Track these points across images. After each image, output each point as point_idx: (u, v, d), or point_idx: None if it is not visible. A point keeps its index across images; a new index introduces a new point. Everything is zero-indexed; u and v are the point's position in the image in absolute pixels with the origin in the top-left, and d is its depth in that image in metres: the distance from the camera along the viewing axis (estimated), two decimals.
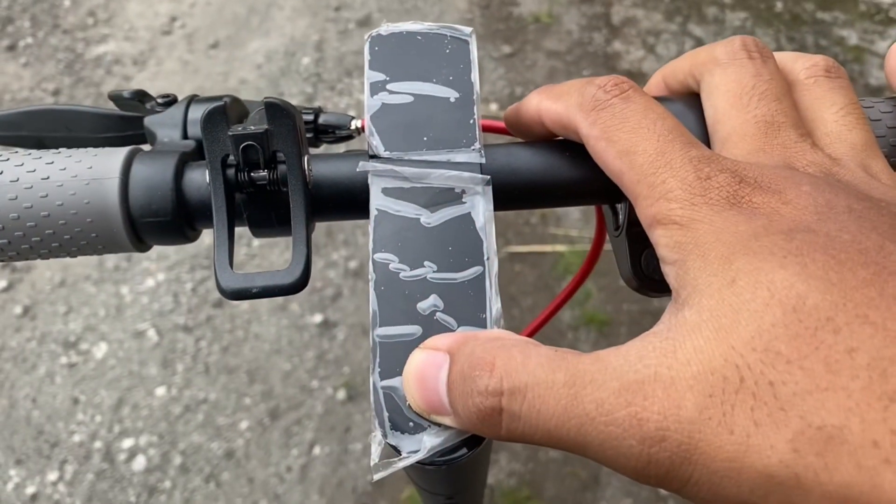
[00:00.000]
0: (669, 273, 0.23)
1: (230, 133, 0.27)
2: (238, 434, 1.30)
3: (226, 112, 0.28)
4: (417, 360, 0.24)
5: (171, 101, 0.36)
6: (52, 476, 1.27)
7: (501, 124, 0.40)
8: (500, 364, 0.22)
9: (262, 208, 0.30)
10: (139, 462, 1.28)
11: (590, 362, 0.21)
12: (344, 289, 1.49)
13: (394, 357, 0.26)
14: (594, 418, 0.20)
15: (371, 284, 0.27)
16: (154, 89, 1.84)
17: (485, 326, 0.26)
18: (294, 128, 0.28)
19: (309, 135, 0.43)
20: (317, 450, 1.29)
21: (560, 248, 1.54)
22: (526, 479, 1.25)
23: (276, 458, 1.28)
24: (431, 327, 0.26)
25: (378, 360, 0.26)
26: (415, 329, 0.26)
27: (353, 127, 0.43)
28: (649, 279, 0.33)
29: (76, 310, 1.47)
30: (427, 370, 0.24)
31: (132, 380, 1.37)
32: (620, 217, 0.35)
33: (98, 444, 1.30)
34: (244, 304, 1.45)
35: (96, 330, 1.44)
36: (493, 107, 1.77)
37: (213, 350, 1.40)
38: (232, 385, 1.36)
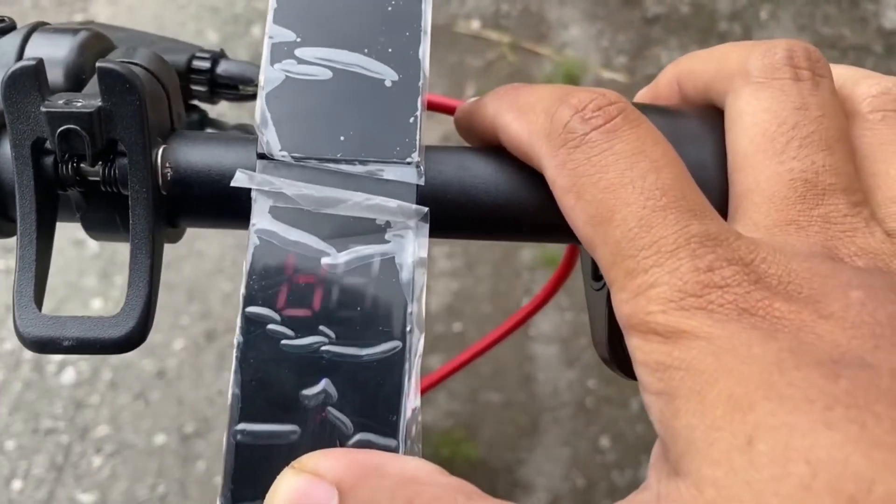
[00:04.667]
0: (652, 407, 0.16)
1: (43, 109, 0.19)
2: (171, 353, 1.26)
3: (37, 74, 0.19)
4: (289, 488, 0.16)
5: (5, 27, 0.26)
6: None
7: (449, 102, 0.30)
8: None
9: (101, 208, 0.21)
10: (69, 375, 1.25)
11: None
12: None
13: (258, 469, 0.18)
14: None
15: (235, 352, 0.18)
16: None
17: (393, 436, 0.18)
18: (139, 108, 0.19)
19: (203, 87, 0.34)
20: None
21: None
22: (463, 421, 1.22)
23: (208, 380, 1.24)
24: (316, 429, 0.18)
25: (233, 471, 0.18)
26: (292, 429, 0.18)
27: None
28: (628, 363, 0.26)
29: None
30: None
31: (68, 290, 1.32)
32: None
33: (28, 354, 1.26)
34: None
35: None
36: (476, 24, 1.65)
37: None
38: (170, 302, 1.31)
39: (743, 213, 0.19)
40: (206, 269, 1.34)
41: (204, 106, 0.39)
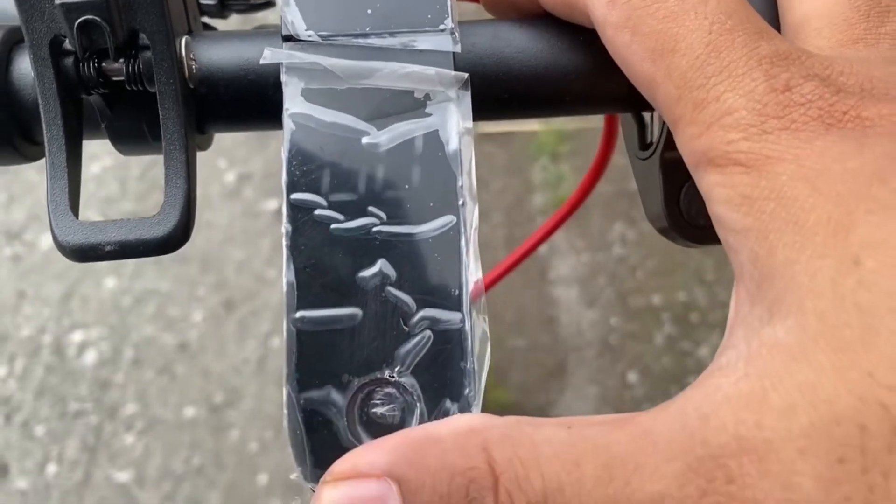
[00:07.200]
0: (738, 248, 0.15)
1: (58, 1, 0.18)
2: (192, 325, 1.25)
3: None
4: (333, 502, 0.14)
5: None
6: (2, 371, 1.23)
7: None
8: (501, 458, 0.14)
9: (126, 114, 0.20)
10: (90, 356, 1.23)
11: (627, 440, 0.13)
12: None
13: (322, 356, 0.17)
14: None
15: (285, 241, 0.18)
16: None
17: (458, 308, 0.18)
18: None
19: (211, 1, 0.33)
20: (274, 341, 1.24)
21: (534, 126, 1.45)
22: (490, 367, 1.22)
23: (232, 349, 1.24)
24: (378, 309, 0.18)
25: (296, 360, 0.17)
26: (352, 312, 0.18)
27: None
28: (691, 225, 0.24)
29: (19, 199, 1.39)
30: None
31: (80, 271, 1.31)
32: (651, 132, 0.26)
33: (47, 338, 1.25)
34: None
35: (41, 219, 1.36)
36: None
37: None
38: (184, 275, 1.30)
39: (803, 41, 0.17)
40: (217, 239, 1.33)
41: (214, 22, 0.37)
